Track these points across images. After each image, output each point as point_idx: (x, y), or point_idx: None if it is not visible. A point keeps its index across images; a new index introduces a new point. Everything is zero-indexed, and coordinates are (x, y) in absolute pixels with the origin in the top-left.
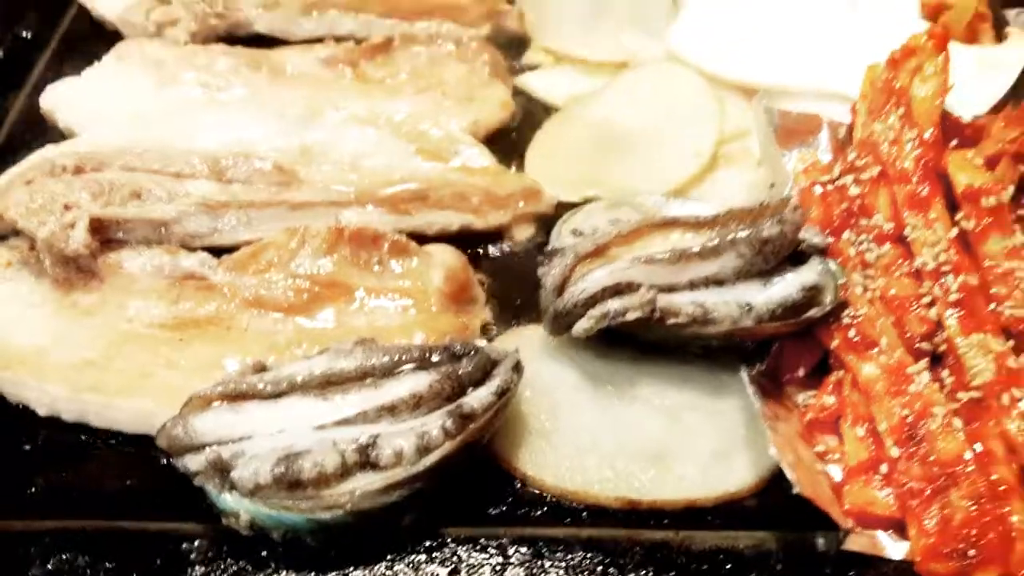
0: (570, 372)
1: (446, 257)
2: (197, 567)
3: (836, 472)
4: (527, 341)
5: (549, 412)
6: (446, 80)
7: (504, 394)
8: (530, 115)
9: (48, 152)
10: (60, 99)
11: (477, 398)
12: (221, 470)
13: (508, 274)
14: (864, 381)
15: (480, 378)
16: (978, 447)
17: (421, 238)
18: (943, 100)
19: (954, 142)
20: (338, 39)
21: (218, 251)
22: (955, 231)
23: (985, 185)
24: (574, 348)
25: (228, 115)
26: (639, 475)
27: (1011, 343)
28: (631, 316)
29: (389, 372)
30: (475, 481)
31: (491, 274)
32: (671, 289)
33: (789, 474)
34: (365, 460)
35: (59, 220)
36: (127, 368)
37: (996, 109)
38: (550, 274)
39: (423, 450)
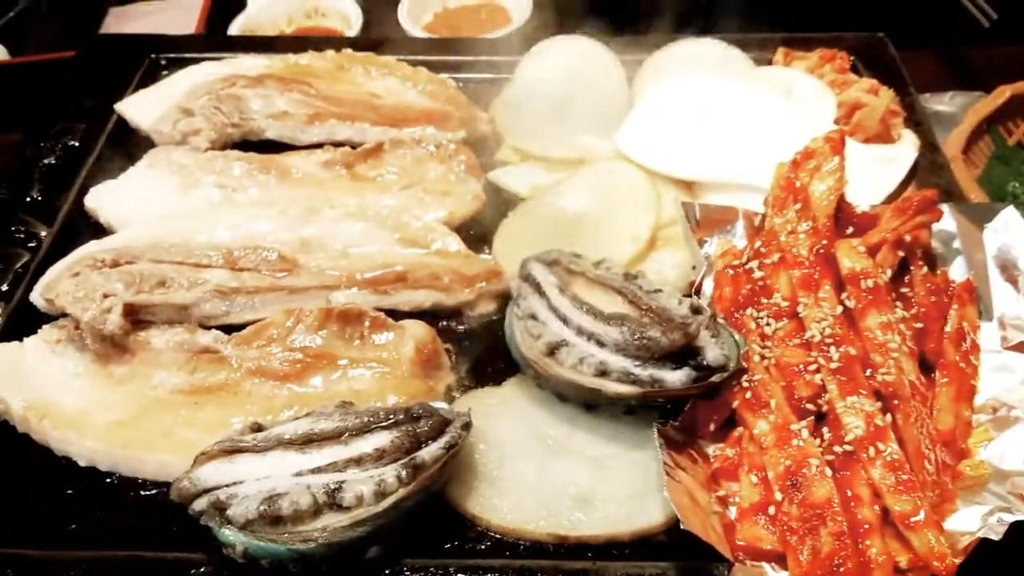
0: (518, 428)
1: (417, 330)
2: None
3: (731, 513)
4: (482, 402)
5: (497, 462)
6: (427, 177)
7: (452, 448)
8: (499, 206)
9: (91, 247)
10: (101, 199)
11: (429, 452)
12: (219, 509)
13: (471, 344)
14: (757, 436)
15: (435, 435)
16: (848, 492)
17: (398, 314)
18: (837, 195)
19: (850, 229)
20: (337, 144)
21: (229, 329)
22: (840, 308)
23: (865, 269)
24: (523, 408)
25: (241, 212)
26: (568, 514)
27: (879, 404)
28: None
29: (361, 431)
30: (432, 520)
31: (456, 344)
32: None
33: (678, 513)
34: (333, 501)
35: (99, 306)
36: (152, 427)
37: (891, 199)
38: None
39: (380, 494)
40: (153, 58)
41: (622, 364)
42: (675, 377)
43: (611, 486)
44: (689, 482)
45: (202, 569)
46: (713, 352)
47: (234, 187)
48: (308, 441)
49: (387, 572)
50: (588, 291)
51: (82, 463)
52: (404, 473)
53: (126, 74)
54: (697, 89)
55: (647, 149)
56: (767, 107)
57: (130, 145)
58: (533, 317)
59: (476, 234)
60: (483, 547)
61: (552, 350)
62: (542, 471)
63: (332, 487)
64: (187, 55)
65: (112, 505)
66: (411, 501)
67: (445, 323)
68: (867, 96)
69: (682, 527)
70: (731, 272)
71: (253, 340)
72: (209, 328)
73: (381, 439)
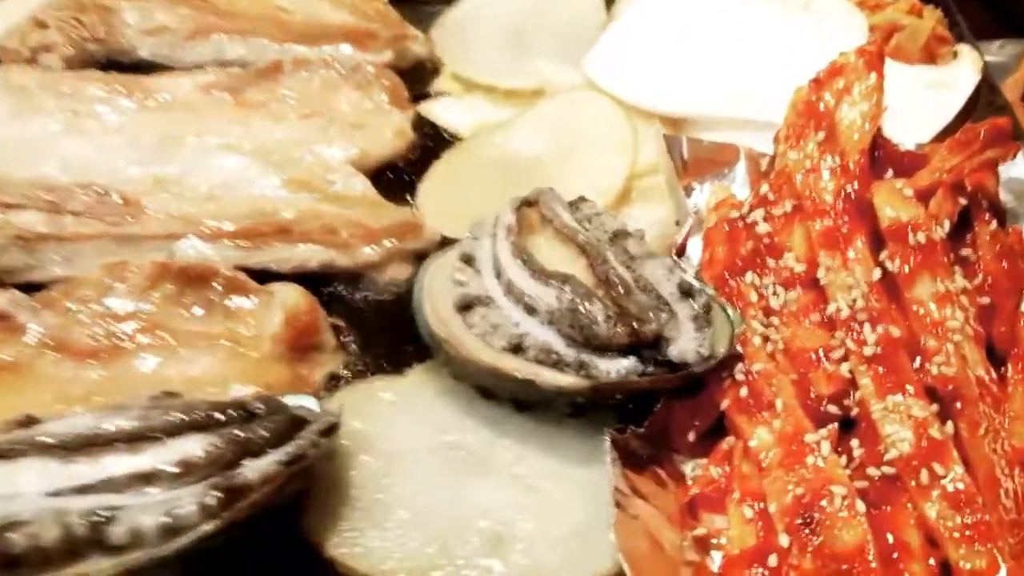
0: (421, 435)
1: (290, 296)
2: None
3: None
4: (374, 397)
5: (380, 482)
6: (336, 107)
7: (296, 463)
8: (431, 147)
9: None
10: None
11: (256, 467)
12: None
13: (374, 320)
14: (755, 450)
15: (276, 442)
16: (889, 537)
17: (271, 276)
18: (874, 125)
19: (889, 172)
20: (227, 65)
21: (37, 289)
22: (878, 273)
23: (914, 219)
24: (429, 405)
25: (83, 145)
26: (474, 559)
27: (935, 408)
28: None
29: (166, 435)
30: (270, 568)
31: (352, 319)
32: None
33: (624, 565)
34: (97, 537)
35: None
36: None
37: (943, 137)
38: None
39: (170, 530)
40: None
41: (546, 338)
42: (611, 366)
43: (542, 519)
44: (651, 516)
45: None
46: (683, 345)
47: (82, 114)
48: (84, 446)
49: None
50: (554, 245)
51: None
52: (211, 498)
53: None
54: (688, 3)
55: (623, 77)
56: (777, 25)
57: None
58: (468, 261)
59: (399, 181)
60: None
61: (466, 306)
62: (445, 495)
63: (98, 517)
64: None
65: None
66: (222, 540)
67: (338, 290)
68: (907, 17)
69: None
70: (727, 227)
71: (56, 303)
72: (7, 287)
73: (191, 446)
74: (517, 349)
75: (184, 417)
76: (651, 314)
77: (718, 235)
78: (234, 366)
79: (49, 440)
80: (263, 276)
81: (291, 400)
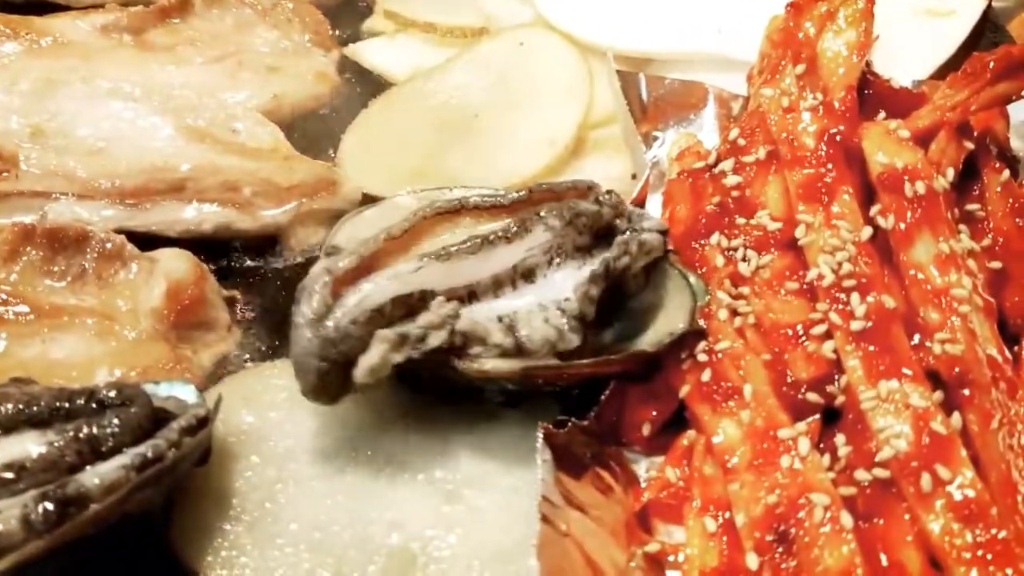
0: (320, 432)
1: (174, 264)
2: None
3: None
4: (268, 384)
5: (270, 488)
6: (250, 47)
7: (149, 466)
8: (358, 93)
9: None
10: None
11: (100, 472)
12: None
13: (278, 292)
14: (719, 448)
15: (131, 439)
16: (882, 558)
17: (158, 241)
18: (862, 57)
19: (881, 114)
20: (129, 4)
21: None
22: (868, 231)
23: (911, 165)
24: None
25: None
26: None
27: (938, 396)
28: (433, 341)
29: (2, 430)
30: None
31: (253, 292)
32: (471, 296)
33: None
34: None
35: None
36: None
37: (943, 73)
38: (300, 313)
39: None
40: None
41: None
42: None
43: (465, 534)
44: (588, 533)
45: None
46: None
47: None
48: None
49: None
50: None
51: None
52: (38, 512)
53: None
54: None
55: (577, 12)
56: None
57: None
58: None
59: (321, 131)
60: None
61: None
62: (348, 505)
63: None
64: None
65: None
66: (56, 564)
67: (237, 257)
68: None
69: None
70: (690, 180)
71: None
72: None
73: (23, 445)
74: None
75: (19, 408)
76: None
77: (680, 190)
78: (104, 347)
79: None
80: (151, 242)
81: (160, 388)
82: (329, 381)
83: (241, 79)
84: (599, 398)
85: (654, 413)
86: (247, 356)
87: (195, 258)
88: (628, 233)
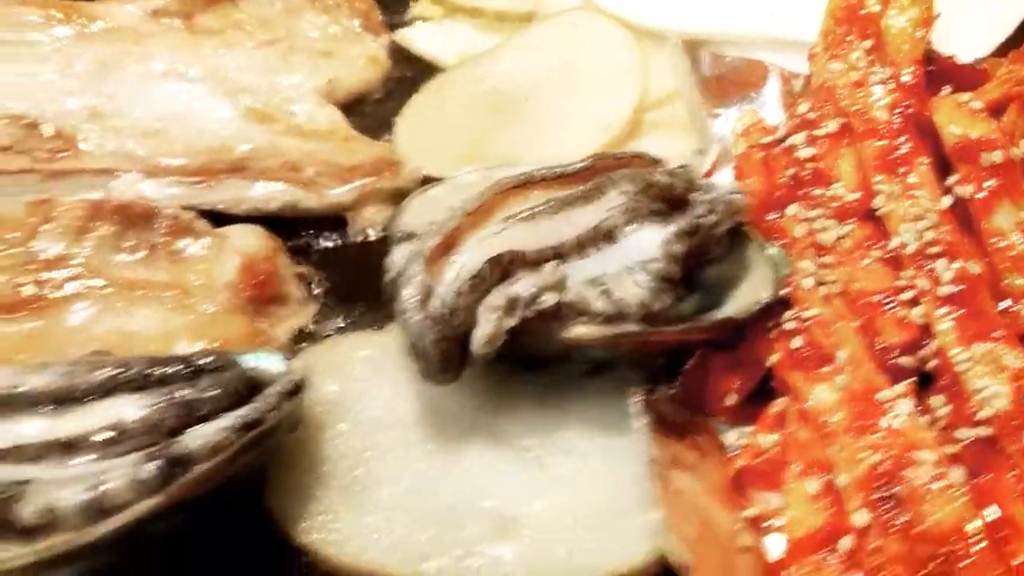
0: (407, 401)
1: (247, 241)
2: None
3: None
4: (348, 356)
5: (361, 457)
6: (301, 33)
7: (251, 430)
8: (409, 78)
9: None
10: None
11: (201, 435)
12: None
13: (349, 269)
14: (814, 411)
15: (227, 405)
16: (991, 512)
17: (224, 219)
18: (927, 33)
19: (946, 90)
20: None
21: None
22: (948, 200)
23: (986, 136)
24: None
25: (9, 74)
26: (478, 547)
27: None
28: (547, 300)
29: (92, 395)
30: (239, 555)
31: (323, 268)
32: (560, 256)
33: (677, 552)
34: (5, 517)
35: None
36: None
37: (1003, 51)
38: (403, 301)
39: (97, 510)
40: None
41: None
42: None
43: (557, 500)
44: (697, 493)
45: None
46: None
47: (12, 42)
48: None
49: None
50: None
51: None
52: (149, 471)
53: None
54: None
55: None
56: None
57: None
58: None
59: (373, 116)
60: None
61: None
62: (438, 473)
63: (6, 491)
64: None
65: None
66: (166, 524)
67: (304, 235)
68: None
69: None
70: (761, 154)
71: None
72: None
73: (123, 409)
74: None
75: (116, 374)
76: None
77: (752, 163)
78: (181, 320)
79: None
80: (216, 222)
81: (247, 359)
82: (450, 359)
83: (293, 63)
84: (682, 369)
85: (739, 383)
86: (320, 329)
87: (267, 233)
88: (720, 197)
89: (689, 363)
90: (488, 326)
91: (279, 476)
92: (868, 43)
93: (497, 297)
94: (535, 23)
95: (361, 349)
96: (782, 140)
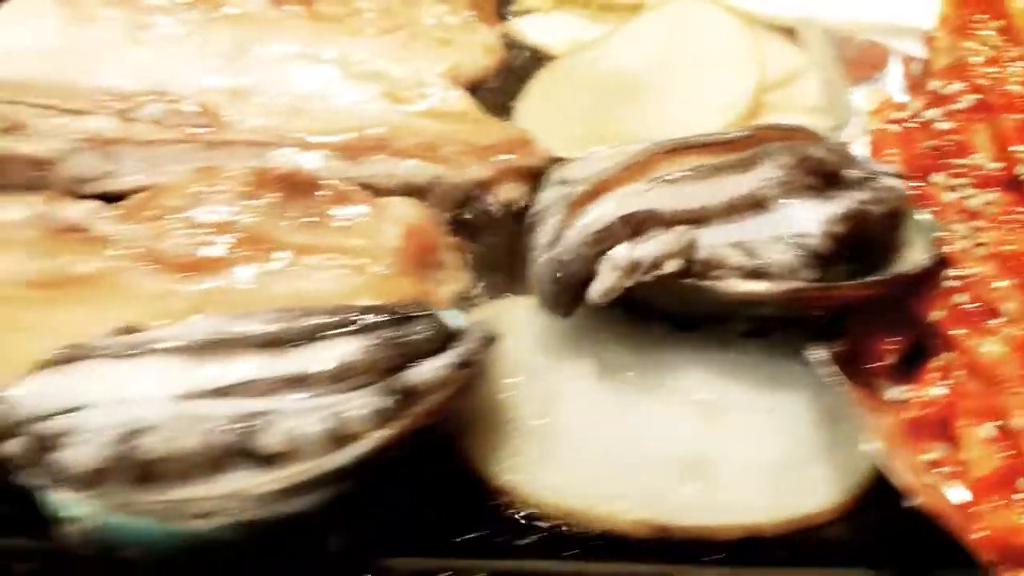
0: (575, 356)
1: (405, 209)
2: None
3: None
4: (516, 315)
5: (544, 406)
6: (418, 21)
7: (468, 367)
8: (521, 66)
9: None
10: None
11: (428, 369)
12: (47, 452)
13: (491, 241)
14: (984, 361)
15: (436, 348)
16: None
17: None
18: None
19: None
20: None
21: (116, 200)
22: None
23: None
24: (582, 326)
25: (146, 55)
26: (672, 490)
27: None
28: (670, 266)
29: (308, 338)
30: (434, 493)
31: (469, 240)
32: (701, 220)
33: (902, 479)
34: (247, 447)
35: None
36: None
37: None
38: (540, 233)
39: (340, 438)
40: None
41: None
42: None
43: (739, 447)
44: (895, 435)
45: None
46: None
47: (142, 24)
48: (211, 349)
49: None
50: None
51: None
52: (383, 403)
53: None
54: None
55: None
56: None
57: None
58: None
59: (490, 102)
60: (527, 542)
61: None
62: (619, 421)
63: (245, 421)
64: None
65: None
66: (398, 452)
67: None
68: None
69: (912, 503)
70: (898, 128)
71: (143, 211)
72: (85, 197)
73: (344, 348)
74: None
75: (329, 319)
76: None
77: (889, 137)
78: (354, 281)
79: (167, 344)
80: None
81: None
82: (562, 301)
83: (415, 50)
84: (843, 329)
85: (900, 341)
86: (476, 296)
87: (422, 204)
88: (879, 179)
89: (847, 326)
90: (607, 281)
91: (474, 421)
92: (999, 23)
93: (621, 254)
94: (643, 12)
95: (516, 309)
96: (916, 116)
